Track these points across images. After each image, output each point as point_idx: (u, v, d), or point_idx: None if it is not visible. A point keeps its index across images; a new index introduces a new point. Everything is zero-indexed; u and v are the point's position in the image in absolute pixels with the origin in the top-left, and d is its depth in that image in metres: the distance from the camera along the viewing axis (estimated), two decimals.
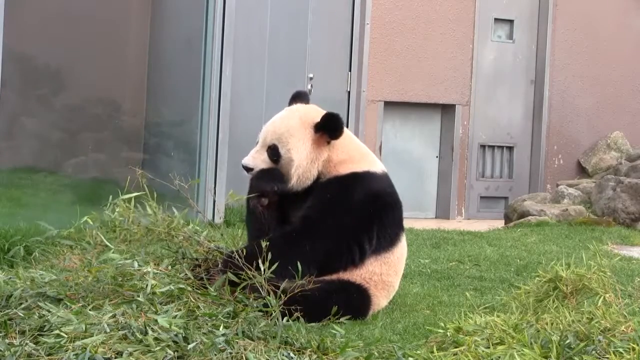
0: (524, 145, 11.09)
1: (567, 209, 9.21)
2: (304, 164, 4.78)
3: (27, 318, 3.87)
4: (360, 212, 4.75)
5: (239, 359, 3.63)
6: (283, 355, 3.74)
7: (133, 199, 4.84)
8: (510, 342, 3.79)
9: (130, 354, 3.50)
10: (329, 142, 4.83)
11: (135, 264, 4.32)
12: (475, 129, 10.75)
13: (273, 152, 4.78)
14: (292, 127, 4.80)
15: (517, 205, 9.54)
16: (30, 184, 8.27)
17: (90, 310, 3.91)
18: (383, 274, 4.88)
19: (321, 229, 4.70)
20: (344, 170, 4.83)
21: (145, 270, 4.28)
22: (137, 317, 3.79)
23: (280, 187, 4.74)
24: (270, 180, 4.75)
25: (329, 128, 4.80)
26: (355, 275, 4.80)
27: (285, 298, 4.27)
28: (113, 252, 4.50)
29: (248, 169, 4.82)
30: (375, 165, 4.99)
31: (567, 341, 3.73)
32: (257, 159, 4.80)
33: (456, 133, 10.62)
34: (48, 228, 5.21)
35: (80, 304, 4.03)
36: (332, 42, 9.83)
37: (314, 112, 4.89)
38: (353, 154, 4.92)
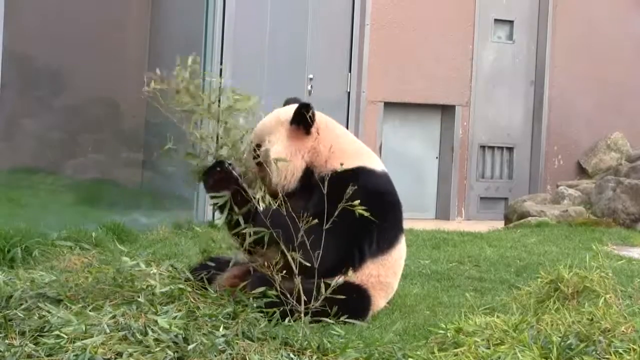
0: (524, 146, 11.09)
1: (567, 210, 9.21)
2: (282, 156, 4.78)
3: (27, 319, 3.87)
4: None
5: None
6: (283, 356, 3.74)
7: None
8: (510, 343, 3.79)
9: (130, 355, 3.50)
10: (308, 133, 4.85)
11: (142, 265, 4.32)
12: (475, 129, 10.75)
13: (255, 152, 4.82)
14: (268, 124, 4.87)
15: (517, 206, 9.54)
16: (30, 185, 8.27)
17: (90, 311, 3.91)
18: (381, 276, 4.87)
19: (324, 231, 4.67)
20: (340, 166, 4.81)
21: (145, 271, 4.28)
22: (137, 318, 3.79)
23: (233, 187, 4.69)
24: (217, 187, 4.74)
25: (299, 120, 4.84)
26: (354, 276, 4.79)
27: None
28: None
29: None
30: (373, 162, 4.99)
31: (568, 342, 3.73)
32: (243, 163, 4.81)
33: (456, 134, 10.62)
34: (48, 232, 5.20)
35: (80, 305, 4.02)
36: (332, 42, 9.83)
37: (292, 108, 4.94)
38: (347, 149, 4.91)
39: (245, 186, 4.67)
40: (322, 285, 4.52)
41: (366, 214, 4.53)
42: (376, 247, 4.82)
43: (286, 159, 4.76)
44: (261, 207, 4.65)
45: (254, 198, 4.63)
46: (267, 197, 4.70)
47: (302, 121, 4.84)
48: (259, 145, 4.82)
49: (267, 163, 4.76)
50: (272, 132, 4.85)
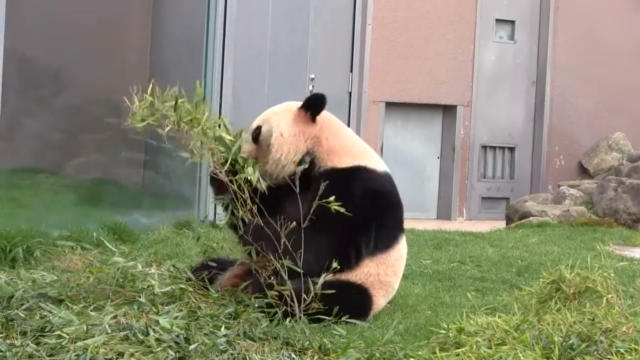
0: (526, 145, 11.09)
1: (568, 210, 9.21)
2: (285, 134, 4.83)
3: (29, 319, 3.87)
4: (361, 212, 4.74)
5: None
6: (284, 356, 3.74)
7: None
8: (512, 343, 3.78)
9: (132, 355, 3.50)
10: (313, 120, 4.88)
11: (139, 266, 4.32)
12: (476, 129, 10.75)
13: (256, 132, 4.88)
14: (276, 109, 4.98)
15: (519, 206, 9.54)
16: (31, 185, 8.27)
17: (91, 311, 3.91)
18: (380, 274, 4.86)
19: (320, 226, 4.68)
20: (341, 163, 4.82)
21: (146, 271, 4.28)
22: (138, 318, 3.79)
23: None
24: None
25: (309, 104, 4.91)
26: (352, 275, 4.79)
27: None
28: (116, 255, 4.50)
29: None
30: (374, 162, 4.99)
31: (570, 342, 3.73)
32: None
33: (457, 134, 10.62)
34: (49, 232, 5.19)
35: (82, 305, 4.03)
36: (334, 42, 9.83)
37: (302, 101, 5.00)
38: (349, 147, 4.93)
39: (235, 198, 4.71)
40: (316, 284, 4.54)
41: (342, 209, 4.56)
42: (374, 245, 4.81)
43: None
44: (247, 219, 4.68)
45: (245, 206, 4.66)
46: (249, 212, 4.70)
47: (311, 107, 4.88)
48: (259, 127, 4.88)
49: (269, 141, 4.81)
50: (277, 114, 4.93)
